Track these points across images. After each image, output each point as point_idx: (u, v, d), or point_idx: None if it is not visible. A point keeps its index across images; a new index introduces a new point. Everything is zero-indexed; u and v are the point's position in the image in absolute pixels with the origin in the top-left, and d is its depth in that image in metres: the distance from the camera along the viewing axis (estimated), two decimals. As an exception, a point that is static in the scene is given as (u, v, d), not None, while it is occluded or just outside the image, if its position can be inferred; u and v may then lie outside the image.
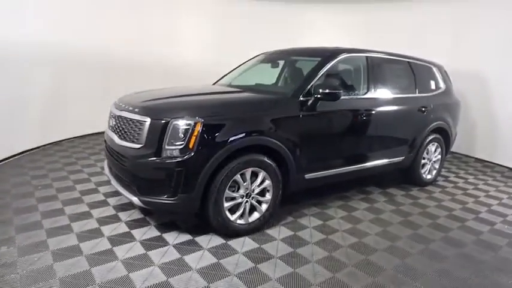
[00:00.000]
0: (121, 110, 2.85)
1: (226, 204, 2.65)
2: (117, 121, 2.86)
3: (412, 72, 4.10)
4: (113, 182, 2.86)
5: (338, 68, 3.44)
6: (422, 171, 4.30)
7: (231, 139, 2.53)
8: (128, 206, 3.16)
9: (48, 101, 5.07)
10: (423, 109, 4.02)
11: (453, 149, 5.30)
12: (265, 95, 3.15)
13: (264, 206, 2.87)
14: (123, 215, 2.99)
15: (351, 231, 2.97)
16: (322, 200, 3.60)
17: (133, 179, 2.59)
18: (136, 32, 6.20)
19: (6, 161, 4.31)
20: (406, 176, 4.28)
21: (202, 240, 2.67)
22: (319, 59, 3.30)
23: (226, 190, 2.61)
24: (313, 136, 3.07)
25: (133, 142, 2.62)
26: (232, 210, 2.72)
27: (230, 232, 2.72)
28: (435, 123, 4.19)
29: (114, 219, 2.92)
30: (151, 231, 2.75)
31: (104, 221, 2.87)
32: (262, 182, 2.81)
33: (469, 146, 6.07)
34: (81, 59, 5.42)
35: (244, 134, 2.60)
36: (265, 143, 2.72)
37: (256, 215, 2.84)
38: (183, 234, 2.74)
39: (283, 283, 2.19)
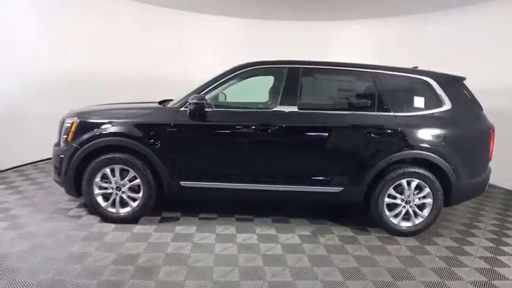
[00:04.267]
0: None
1: (97, 191, 3.20)
2: None
3: (375, 85, 3.26)
4: None
5: (241, 81, 3.31)
6: (389, 214, 3.26)
7: (97, 137, 3.10)
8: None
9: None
10: (382, 131, 3.12)
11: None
12: (153, 105, 3.42)
13: (136, 202, 3.22)
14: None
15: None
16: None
17: (53, 163, 3.53)
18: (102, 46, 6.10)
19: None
20: (368, 216, 3.37)
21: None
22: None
23: (96, 180, 3.17)
24: (188, 145, 3.15)
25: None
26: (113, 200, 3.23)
27: (103, 217, 3.23)
28: (410, 152, 3.14)
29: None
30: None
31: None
32: (135, 179, 3.18)
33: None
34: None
35: (108, 135, 3.10)
36: (127, 145, 3.10)
37: (128, 209, 3.23)
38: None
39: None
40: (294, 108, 3.18)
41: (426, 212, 3.25)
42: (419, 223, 3.26)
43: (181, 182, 3.18)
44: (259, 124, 3.11)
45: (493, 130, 3.29)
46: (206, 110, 3.12)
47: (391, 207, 3.28)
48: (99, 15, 5.96)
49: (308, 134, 3.20)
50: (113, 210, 3.24)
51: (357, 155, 3.18)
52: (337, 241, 3.11)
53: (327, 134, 3.18)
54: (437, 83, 3.30)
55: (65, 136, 3.22)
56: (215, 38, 7.03)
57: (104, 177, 3.20)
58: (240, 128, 3.15)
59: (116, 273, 2.39)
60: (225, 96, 3.72)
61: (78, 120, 3.18)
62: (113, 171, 3.18)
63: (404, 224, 3.28)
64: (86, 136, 3.12)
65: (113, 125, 3.15)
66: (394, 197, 3.24)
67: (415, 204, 3.26)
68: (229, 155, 3.21)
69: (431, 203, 3.23)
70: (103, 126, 3.14)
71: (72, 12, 5.57)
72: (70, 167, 3.16)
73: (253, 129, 3.11)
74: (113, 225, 3.18)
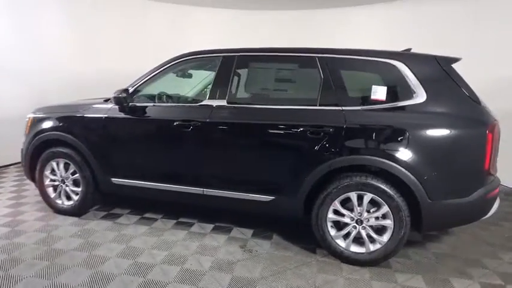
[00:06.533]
0: None
1: (47, 183, 3.35)
2: None
3: (321, 72, 2.61)
4: None
5: (173, 73, 3.04)
6: (335, 234, 2.58)
7: (42, 132, 3.24)
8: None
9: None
10: (320, 130, 2.48)
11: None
12: (97, 100, 3.37)
13: (76, 196, 3.27)
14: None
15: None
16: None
17: None
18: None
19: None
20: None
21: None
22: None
23: (46, 172, 3.32)
24: (116, 140, 3.04)
25: None
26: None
27: (52, 207, 3.38)
28: (355, 158, 2.43)
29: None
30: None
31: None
32: (75, 173, 3.24)
33: None
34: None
35: (48, 130, 3.21)
36: (65, 139, 3.15)
37: (71, 202, 3.31)
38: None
39: None
40: (223, 102, 2.78)
41: (386, 237, 2.47)
42: (376, 250, 2.50)
43: (112, 179, 3.10)
44: (181, 120, 2.81)
45: (493, 129, 2.31)
46: (131, 104, 2.97)
47: (341, 227, 2.60)
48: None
49: (233, 131, 2.74)
50: (59, 201, 3.35)
51: (288, 158, 2.60)
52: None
53: (254, 132, 2.69)
54: (408, 66, 2.47)
55: (25, 130, 3.46)
56: (217, 31, 6.71)
57: (54, 170, 3.34)
58: (162, 123, 2.90)
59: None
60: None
61: (32, 116, 3.39)
62: (66, 165, 3.29)
63: (356, 250, 2.56)
64: (34, 131, 3.29)
65: (54, 120, 3.24)
66: (343, 215, 2.56)
67: (370, 226, 2.51)
68: (154, 152, 2.98)
69: (392, 225, 2.44)
70: (47, 121, 3.26)
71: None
72: (25, 159, 3.39)
73: (175, 125, 2.82)
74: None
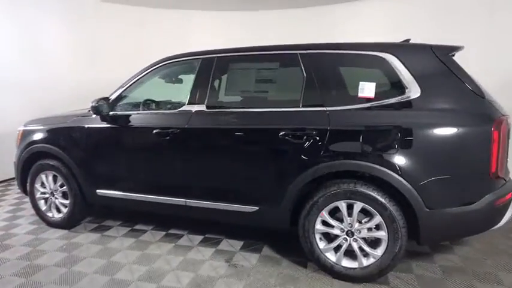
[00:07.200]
0: None
1: (38, 196, 3.32)
2: None
3: (303, 71, 2.39)
4: None
5: (156, 78, 2.92)
6: (324, 247, 2.34)
7: (31, 144, 3.22)
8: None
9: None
10: (303, 133, 2.26)
11: None
12: (82, 111, 3.26)
13: (66, 209, 3.21)
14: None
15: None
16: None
17: None
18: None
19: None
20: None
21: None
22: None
23: (36, 185, 3.29)
24: (97, 151, 2.95)
25: None
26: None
27: (43, 220, 3.34)
28: (342, 163, 2.18)
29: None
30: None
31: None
32: (63, 185, 3.19)
33: None
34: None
35: (35, 142, 3.18)
36: (50, 151, 3.10)
37: (61, 214, 3.25)
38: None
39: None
40: (202, 107, 2.62)
41: (380, 250, 2.21)
42: (370, 265, 2.24)
43: (97, 191, 3.01)
44: (160, 127, 2.68)
45: (499, 126, 2.00)
46: (112, 113, 2.88)
47: (332, 239, 2.36)
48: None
49: (211, 138, 2.58)
50: (50, 214, 3.31)
51: (270, 164, 2.40)
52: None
53: (233, 138, 2.50)
54: (399, 59, 2.20)
55: (16, 143, 3.46)
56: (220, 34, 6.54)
57: (43, 183, 3.30)
58: (142, 132, 2.78)
59: None
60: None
61: (23, 129, 3.37)
62: (55, 177, 3.25)
63: (348, 264, 2.31)
64: (24, 143, 3.28)
65: (41, 133, 3.21)
66: (332, 226, 2.32)
67: (362, 238, 2.26)
68: (135, 162, 2.86)
69: (386, 237, 2.18)
70: (35, 134, 3.23)
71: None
72: (17, 172, 3.38)
73: (154, 133, 2.69)
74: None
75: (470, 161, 2.05)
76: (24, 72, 5.13)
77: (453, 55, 2.27)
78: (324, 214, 2.29)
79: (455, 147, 2.04)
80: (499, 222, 2.16)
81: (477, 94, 2.08)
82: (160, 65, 2.86)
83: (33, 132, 3.26)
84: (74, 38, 5.59)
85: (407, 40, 2.60)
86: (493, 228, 2.19)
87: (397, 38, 2.77)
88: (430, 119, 2.07)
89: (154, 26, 6.26)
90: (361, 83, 2.25)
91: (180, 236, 3.07)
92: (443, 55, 2.17)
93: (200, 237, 3.03)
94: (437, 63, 2.16)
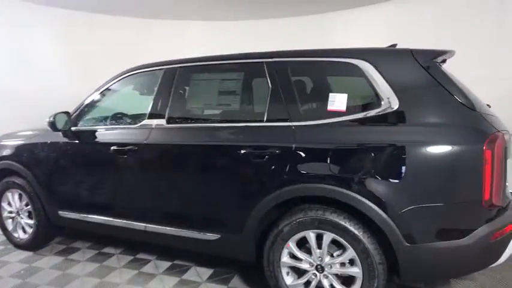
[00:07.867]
0: None
1: (5, 214, 3.14)
2: None
3: (269, 81, 2.12)
4: None
5: (118, 91, 2.71)
6: (290, 282, 2.03)
7: (-1, 161, 3.07)
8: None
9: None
10: (264, 152, 1.98)
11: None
12: None
13: (31, 230, 3.02)
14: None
15: None
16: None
17: None
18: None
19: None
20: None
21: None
22: None
23: (2, 204, 3.13)
24: (57, 168, 2.76)
25: None
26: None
27: (10, 241, 3.16)
28: (307, 187, 1.89)
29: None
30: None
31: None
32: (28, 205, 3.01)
33: None
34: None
35: (3, 158, 3.03)
36: (14, 168, 2.94)
37: (26, 235, 3.06)
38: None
39: None
40: (162, 122, 2.39)
41: (355, 289, 1.88)
42: (343, 308, 1.91)
43: (59, 212, 2.81)
44: (118, 143, 2.45)
45: (493, 144, 1.65)
46: (74, 128, 2.69)
47: (302, 273, 2.04)
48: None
49: (168, 156, 2.33)
50: (16, 235, 3.13)
51: (230, 187, 2.13)
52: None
53: (190, 156, 2.25)
54: (374, 66, 1.90)
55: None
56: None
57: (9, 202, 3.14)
58: (101, 148, 2.57)
59: None
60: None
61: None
62: (20, 195, 3.08)
63: (317, 305, 1.98)
64: (-9, 160, 3.14)
65: (7, 148, 3.06)
66: (300, 259, 2.00)
67: (334, 274, 1.94)
68: (94, 182, 2.65)
69: (361, 275, 1.85)
70: (4, 149, 3.08)
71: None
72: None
73: (112, 150, 2.47)
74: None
75: (458, 186, 1.71)
76: (14, 84, 5.11)
77: (443, 61, 1.97)
78: (291, 245, 1.99)
79: (440, 169, 1.71)
80: (498, 259, 1.79)
81: (467, 106, 1.75)
82: (122, 76, 2.66)
83: (2, 147, 3.12)
84: (64, 50, 5.55)
85: (394, 45, 2.30)
86: (491, 266, 1.83)
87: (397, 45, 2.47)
88: (409, 136, 1.75)
89: (146, 36, 6.18)
90: (331, 94, 1.96)
91: (147, 262, 2.81)
92: (426, 61, 1.86)
93: (168, 264, 2.77)
94: (419, 71, 1.85)
